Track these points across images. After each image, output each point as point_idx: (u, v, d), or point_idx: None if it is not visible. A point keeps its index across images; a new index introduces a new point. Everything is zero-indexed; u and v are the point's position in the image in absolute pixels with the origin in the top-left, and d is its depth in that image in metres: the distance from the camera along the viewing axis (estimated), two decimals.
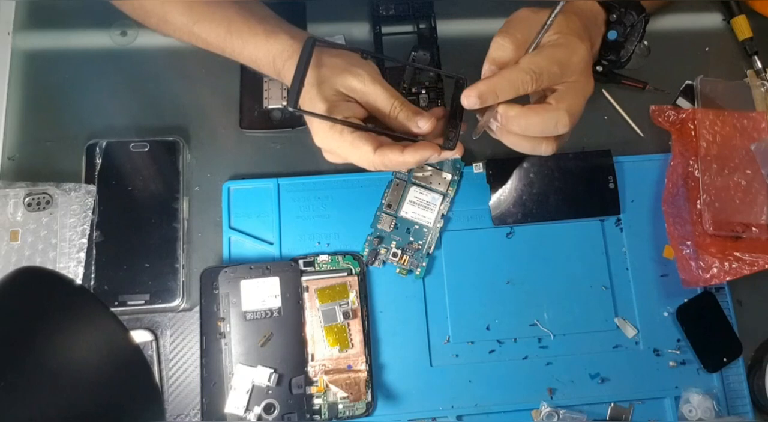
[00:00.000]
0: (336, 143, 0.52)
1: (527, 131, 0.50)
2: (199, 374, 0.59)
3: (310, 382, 0.59)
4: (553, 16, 0.49)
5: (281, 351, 0.59)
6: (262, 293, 0.60)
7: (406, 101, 0.53)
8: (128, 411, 0.46)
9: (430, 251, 0.64)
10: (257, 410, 0.58)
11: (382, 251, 0.63)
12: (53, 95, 0.68)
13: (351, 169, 0.66)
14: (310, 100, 0.52)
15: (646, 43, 0.72)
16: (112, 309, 0.51)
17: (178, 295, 0.61)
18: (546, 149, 0.52)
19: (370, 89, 0.52)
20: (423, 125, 0.52)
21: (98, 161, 0.64)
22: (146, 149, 0.64)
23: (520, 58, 0.49)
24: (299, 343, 0.60)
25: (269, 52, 0.54)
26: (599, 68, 0.61)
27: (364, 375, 0.60)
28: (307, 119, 0.54)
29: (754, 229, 0.65)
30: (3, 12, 0.70)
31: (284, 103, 0.66)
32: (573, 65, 0.50)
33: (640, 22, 0.57)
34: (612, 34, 0.57)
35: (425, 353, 0.62)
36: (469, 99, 0.49)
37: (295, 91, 0.50)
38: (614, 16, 0.57)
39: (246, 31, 0.54)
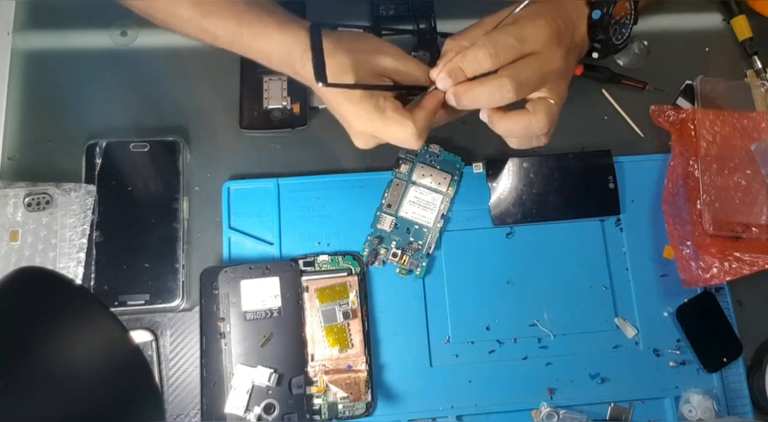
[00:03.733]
0: (380, 123, 0.52)
1: (477, 103, 0.52)
2: (199, 374, 0.59)
3: (310, 382, 0.59)
4: (521, 6, 0.51)
5: (281, 351, 0.59)
6: (262, 293, 0.60)
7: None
8: (128, 411, 0.46)
9: (430, 251, 0.64)
10: (257, 410, 0.58)
11: (382, 251, 0.63)
12: (53, 95, 0.68)
13: (351, 169, 0.66)
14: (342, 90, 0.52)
15: (646, 43, 0.72)
16: (112, 309, 0.51)
17: (178, 295, 0.61)
18: (538, 123, 0.52)
19: (403, 65, 0.53)
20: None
21: (98, 161, 0.64)
22: (146, 149, 0.64)
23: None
24: (299, 343, 0.60)
25: (282, 44, 0.53)
26: (595, 55, 0.60)
27: (364, 375, 0.60)
28: (343, 105, 0.53)
29: (754, 229, 0.65)
30: (3, 12, 0.70)
31: (284, 103, 0.66)
32: (532, 36, 0.51)
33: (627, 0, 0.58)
34: (596, 14, 0.57)
35: (425, 353, 0.62)
36: (442, 80, 0.51)
37: (320, 66, 0.50)
38: None
39: (257, 22, 0.54)
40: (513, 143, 0.56)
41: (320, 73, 0.50)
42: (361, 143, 0.55)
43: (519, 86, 0.50)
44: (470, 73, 0.51)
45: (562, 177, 0.66)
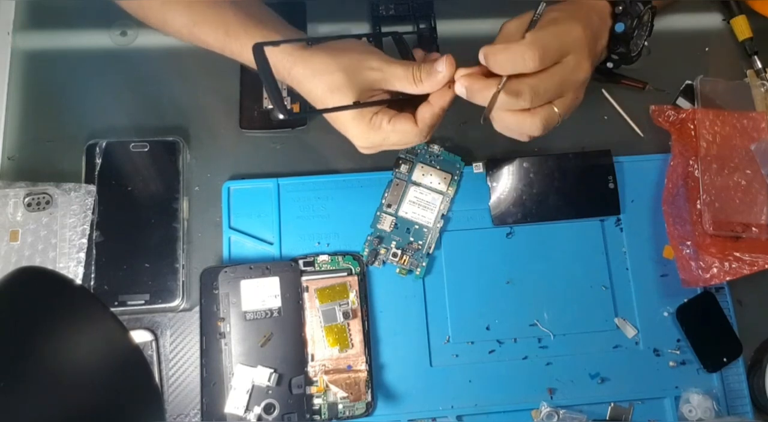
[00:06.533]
0: (379, 137, 0.52)
1: (496, 68, 0.49)
2: (199, 374, 0.59)
3: (310, 382, 0.59)
4: (541, 7, 0.50)
5: (281, 351, 0.59)
6: (262, 293, 0.60)
7: (419, 64, 0.52)
8: (128, 411, 0.46)
9: (430, 251, 0.64)
10: (257, 410, 0.58)
11: (382, 251, 0.63)
12: (53, 95, 0.68)
13: (351, 169, 0.66)
14: (335, 99, 0.51)
15: (646, 43, 0.72)
16: (112, 309, 0.51)
17: (178, 295, 0.61)
18: (531, 127, 0.51)
19: (388, 75, 0.51)
20: (442, 67, 0.50)
21: (98, 161, 0.64)
22: (146, 149, 0.64)
23: (525, 35, 0.49)
24: (299, 343, 0.60)
25: (269, 59, 0.53)
26: (610, 65, 0.60)
27: (364, 375, 0.60)
28: (341, 125, 0.53)
29: (754, 229, 0.65)
30: (3, 12, 0.70)
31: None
32: (571, 42, 0.50)
33: (647, 13, 0.57)
34: (619, 26, 0.56)
35: (425, 353, 0.62)
36: (483, 57, 0.48)
37: (278, 99, 0.49)
38: (620, 8, 0.57)
39: (243, 34, 0.54)
40: (498, 127, 0.54)
41: (280, 106, 0.49)
42: (367, 152, 0.55)
43: (536, 98, 0.49)
44: (509, 70, 0.48)
45: (562, 177, 0.66)
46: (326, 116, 0.54)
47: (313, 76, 0.51)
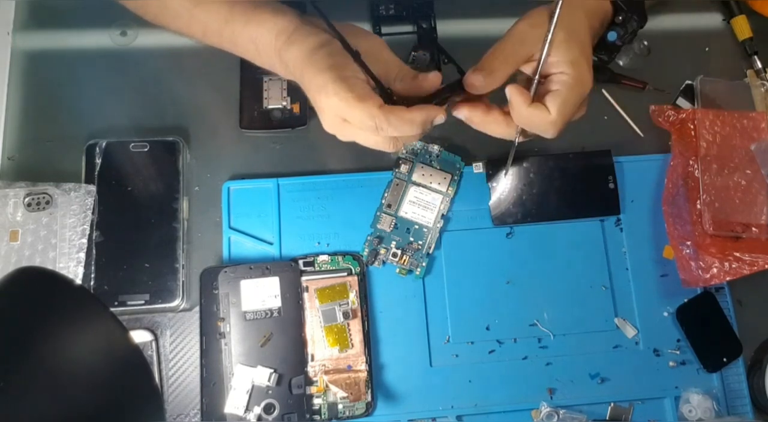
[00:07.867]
0: (343, 94, 0.47)
1: (517, 118, 0.51)
2: (199, 374, 0.59)
3: (310, 382, 0.59)
4: (553, 27, 0.49)
5: (281, 351, 0.59)
6: (262, 293, 0.60)
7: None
8: (128, 412, 0.46)
9: (430, 251, 0.64)
10: (257, 410, 0.58)
11: (382, 251, 0.63)
12: (53, 95, 0.68)
13: (351, 169, 0.66)
14: (316, 61, 0.49)
15: (646, 43, 0.72)
16: (112, 309, 0.51)
17: (178, 295, 0.61)
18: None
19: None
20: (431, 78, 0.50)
21: (98, 161, 0.64)
22: (146, 149, 0.64)
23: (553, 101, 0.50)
24: (299, 343, 0.60)
25: (274, 27, 0.51)
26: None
27: (364, 375, 0.60)
28: (314, 80, 0.49)
29: (754, 229, 0.65)
30: (3, 12, 0.70)
31: (284, 103, 0.66)
32: (585, 85, 0.51)
33: (637, 28, 0.58)
34: (612, 35, 0.56)
35: (425, 353, 0.62)
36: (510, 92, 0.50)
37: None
38: (620, 17, 0.57)
39: (250, 8, 0.53)
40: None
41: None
42: (328, 123, 0.51)
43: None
44: (527, 127, 0.51)
45: (562, 177, 0.66)
46: (304, 77, 0.50)
47: (310, 54, 0.50)
